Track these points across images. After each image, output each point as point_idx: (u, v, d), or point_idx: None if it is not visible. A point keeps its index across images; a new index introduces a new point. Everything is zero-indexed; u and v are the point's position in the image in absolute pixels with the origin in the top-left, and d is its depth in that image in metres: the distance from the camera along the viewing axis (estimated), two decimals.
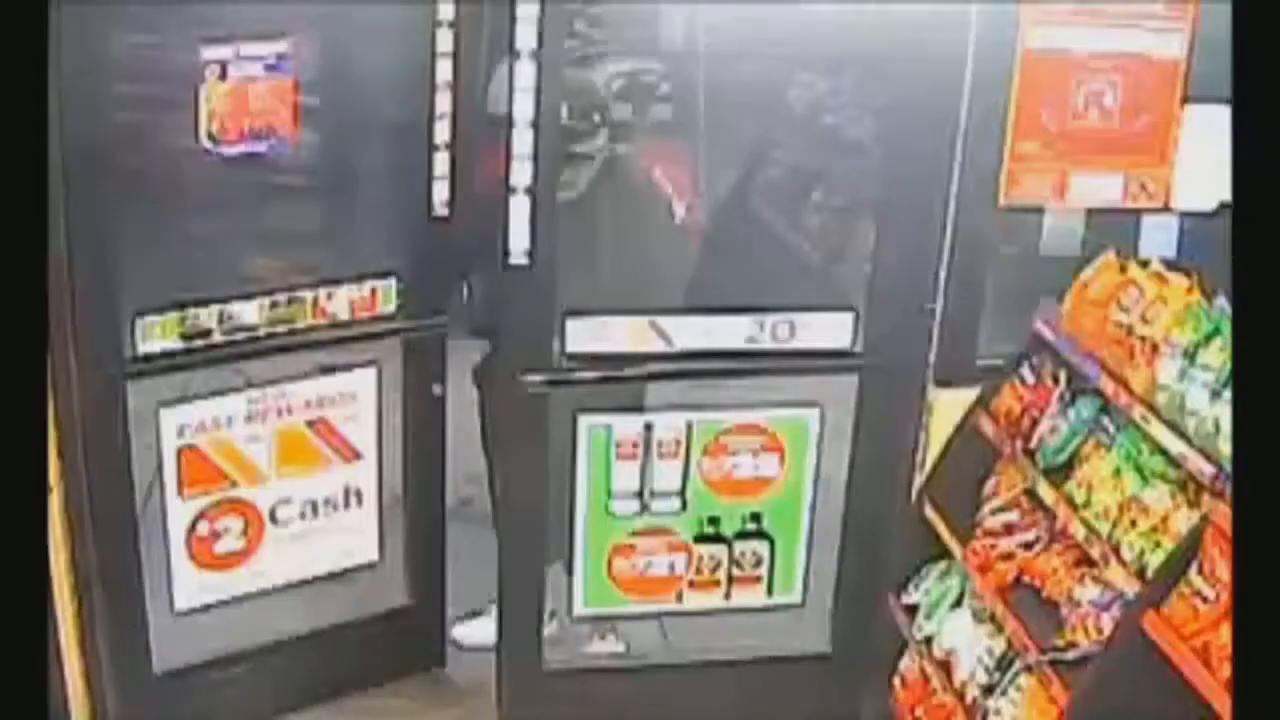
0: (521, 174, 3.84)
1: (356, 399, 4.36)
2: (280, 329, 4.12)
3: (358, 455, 4.42)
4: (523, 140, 3.81)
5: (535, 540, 4.24)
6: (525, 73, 3.76)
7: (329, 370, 4.32)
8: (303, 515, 4.38)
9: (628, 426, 4.24)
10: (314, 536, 4.41)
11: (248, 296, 4.05)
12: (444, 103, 4.15)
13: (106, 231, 3.74)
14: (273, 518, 4.32)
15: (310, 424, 4.32)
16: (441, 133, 4.18)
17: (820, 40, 5.04)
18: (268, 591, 4.37)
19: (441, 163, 4.20)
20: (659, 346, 4.12)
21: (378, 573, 4.57)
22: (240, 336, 4.06)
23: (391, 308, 4.29)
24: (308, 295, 4.15)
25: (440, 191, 4.23)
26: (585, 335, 4.07)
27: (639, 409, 4.32)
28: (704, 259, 5.55)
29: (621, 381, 4.20)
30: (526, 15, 3.72)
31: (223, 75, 3.86)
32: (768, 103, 6.13)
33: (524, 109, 3.78)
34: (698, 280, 5.46)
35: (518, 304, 3.98)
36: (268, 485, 4.30)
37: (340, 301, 4.21)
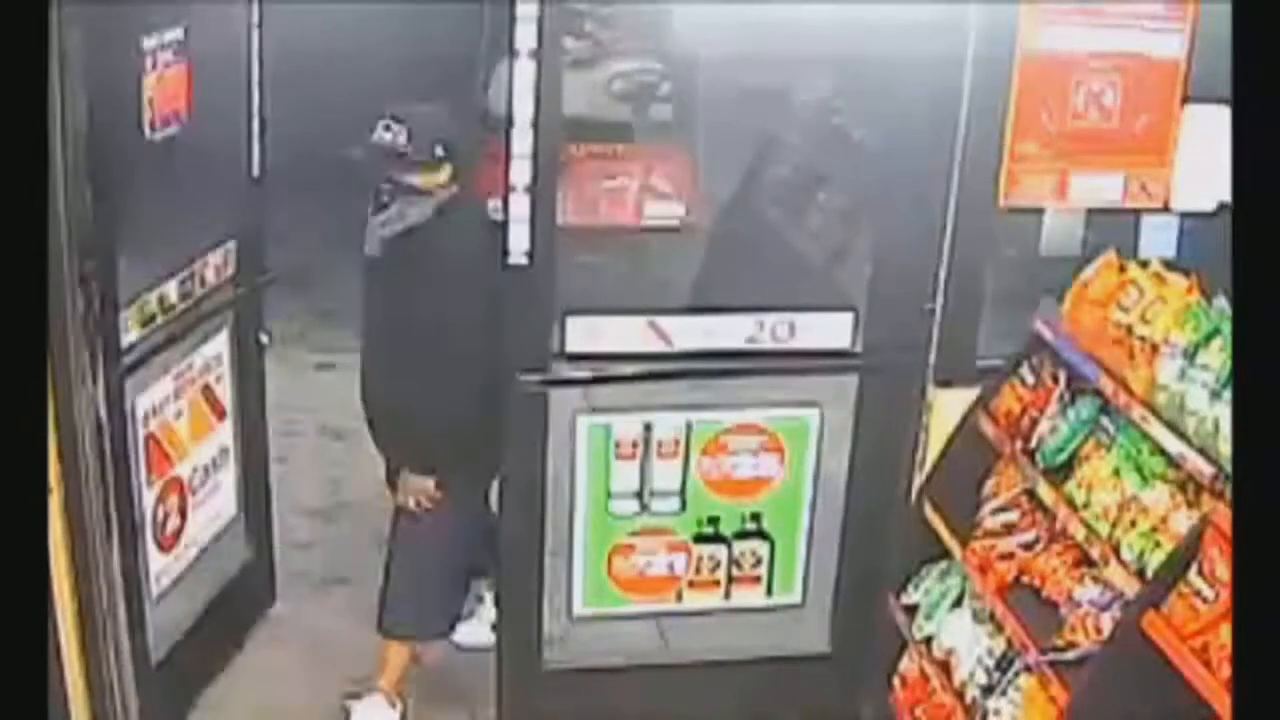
0: (521, 174, 3.84)
1: (221, 360, 4.58)
2: (188, 304, 4.29)
3: (224, 414, 4.64)
4: (523, 140, 3.81)
5: (534, 540, 4.24)
6: (525, 73, 3.76)
7: (207, 337, 4.51)
8: (202, 482, 4.54)
9: (627, 426, 4.24)
10: (209, 499, 4.59)
11: (170, 277, 4.20)
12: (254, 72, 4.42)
13: (105, 228, 3.74)
14: (191, 488, 4.47)
15: (203, 391, 4.50)
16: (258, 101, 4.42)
17: (820, 41, 5.03)
18: (193, 563, 4.51)
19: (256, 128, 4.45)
20: (659, 346, 4.12)
21: (233, 528, 4.75)
22: (169, 317, 4.19)
23: (231, 270, 4.52)
24: (196, 268, 4.33)
25: (256, 154, 4.50)
26: (585, 335, 4.07)
27: (639, 409, 4.31)
28: (704, 259, 5.55)
29: (621, 381, 4.19)
30: (526, 15, 3.72)
31: (155, 65, 3.97)
32: (768, 103, 6.13)
33: (524, 109, 3.78)
34: (698, 280, 5.46)
35: (517, 304, 3.98)
36: (188, 458, 4.44)
37: (210, 269, 4.41)
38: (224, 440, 4.66)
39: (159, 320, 4.13)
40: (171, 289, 4.19)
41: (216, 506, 4.65)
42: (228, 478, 4.70)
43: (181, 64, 4.06)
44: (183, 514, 4.43)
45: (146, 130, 3.96)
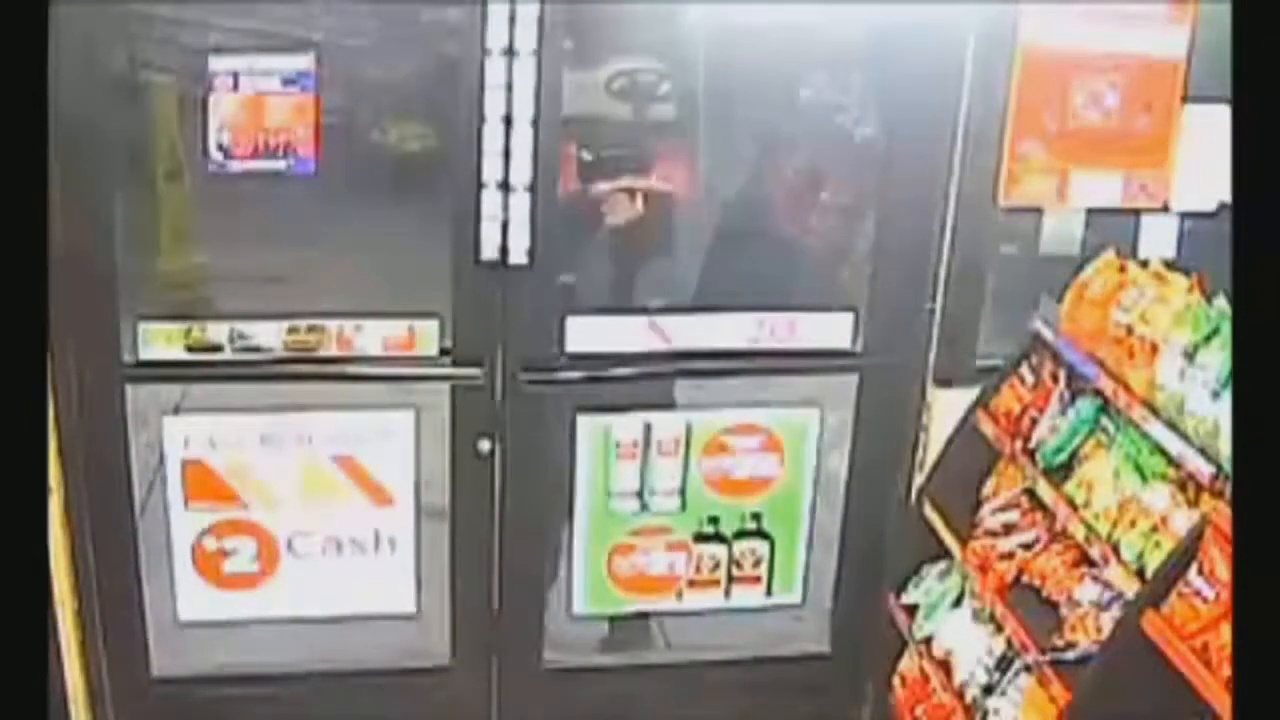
0: (521, 173, 3.84)
1: (387, 439, 4.18)
2: (301, 356, 3.99)
3: (388, 500, 4.24)
4: (523, 140, 3.81)
5: (535, 540, 4.24)
6: (525, 73, 3.76)
7: (359, 407, 4.14)
8: (323, 551, 4.26)
9: (628, 426, 4.24)
10: (342, 575, 4.28)
11: (263, 317, 3.97)
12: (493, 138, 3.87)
13: (106, 232, 3.75)
14: (290, 546, 4.24)
15: (335, 459, 4.18)
16: (492, 170, 3.87)
17: (821, 41, 5.02)
18: (281, 620, 4.30)
19: (490, 203, 3.89)
20: (659, 346, 4.12)
21: (413, 624, 4.40)
22: (255, 357, 3.97)
23: (432, 350, 4.06)
24: (331, 325, 4.00)
25: (490, 234, 3.92)
26: (585, 335, 4.07)
27: (639, 409, 4.31)
28: (704, 259, 5.54)
29: (621, 381, 4.20)
30: (526, 15, 3.72)
31: (235, 87, 3.77)
32: (768, 103, 6.12)
33: (524, 109, 3.78)
34: (698, 280, 5.45)
35: (518, 304, 3.98)
36: (280, 511, 4.20)
37: (370, 337, 4.02)
38: (385, 528, 4.24)
39: (229, 354, 3.92)
40: (265, 330, 3.92)
41: (370, 591, 4.30)
42: (394, 568, 4.28)
43: (300, 95, 3.78)
44: (265, 563, 4.20)
45: (218, 154, 3.76)
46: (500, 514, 4.30)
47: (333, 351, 4.01)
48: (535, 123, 3.80)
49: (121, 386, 3.90)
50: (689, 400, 4.31)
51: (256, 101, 3.76)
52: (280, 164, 3.80)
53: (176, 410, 4.10)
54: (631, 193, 4.38)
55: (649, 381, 4.23)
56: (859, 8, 4.10)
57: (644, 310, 4.20)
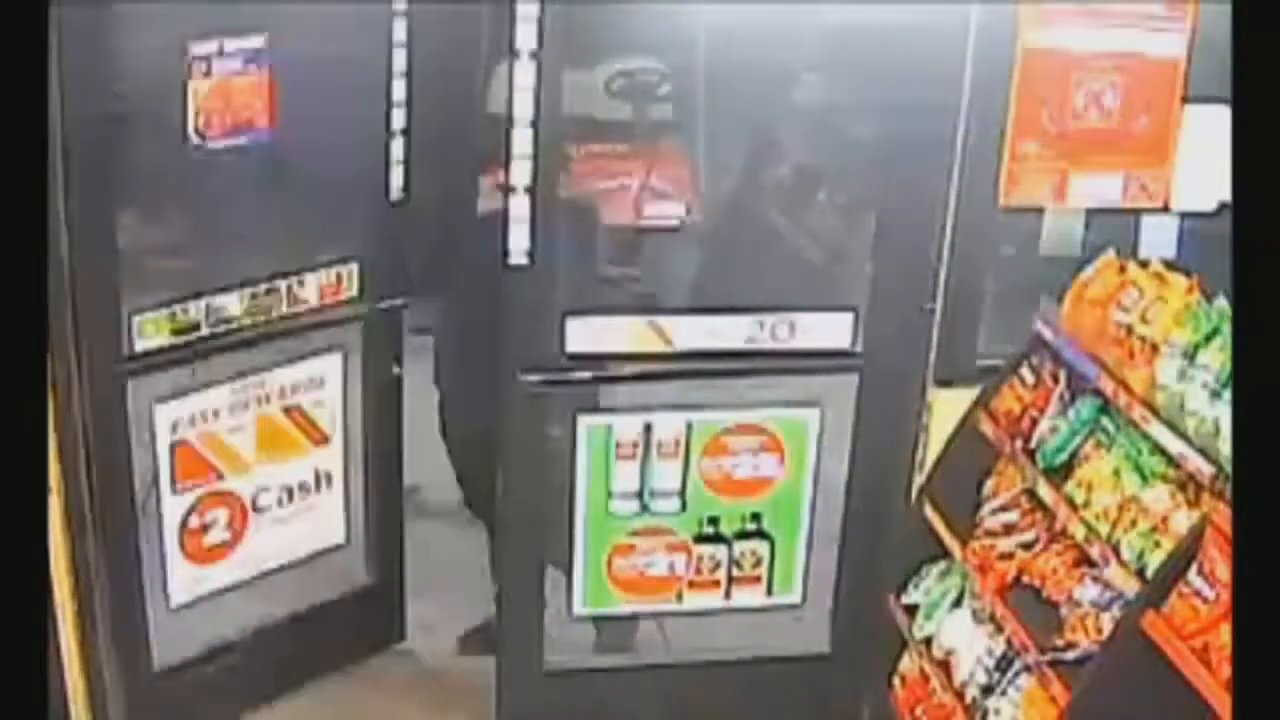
0: (521, 174, 3.84)
1: (324, 384, 4.47)
2: (260, 319, 4.20)
3: (326, 439, 4.52)
4: (523, 140, 3.81)
5: (535, 540, 4.24)
6: (525, 73, 3.76)
7: (301, 357, 4.39)
8: (280, 502, 4.46)
9: (628, 426, 4.24)
10: (291, 522, 4.50)
11: (229, 289, 4.12)
12: (400, 90, 4.31)
13: (106, 230, 3.75)
14: (255, 506, 4.40)
15: (286, 410, 4.41)
16: (398, 120, 4.31)
17: (821, 41, 5.02)
18: (250, 580, 4.44)
19: (398, 148, 4.34)
20: (659, 346, 4.12)
21: (344, 554, 4.68)
22: (224, 329, 4.12)
23: (354, 292, 4.41)
24: (282, 285, 4.24)
25: (396, 177, 4.36)
26: (585, 335, 4.07)
27: (639, 409, 4.31)
28: (704, 259, 5.54)
29: (621, 381, 4.19)
30: (526, 15, 3.72)
31: (208, 71, 3.91)
32: (768, 102, 6.12)
33: (524, 109, 3.78)
34: (698, 280, 5.45)
35: (518, 304, 3.98)
36: (250, 474, 4.37)
37: (310, 289, 4.31)
38: (324, 465, 4.54)
39: (205, 330, 4.05)
40: (231, 301, 4.10)
41: (310, 531, 4.54)
42: (330, 503, 4.58)
43: (258, 73, 3.97)
44: (236, 529, 4.34)
45: (195, 137, 3.90)
46: (499, 513, 4.31)
47: (284, 310, 4.26)
48: (535, 123, 3.80)
49: (123, 382, 3.90)
50: (689, 400, 4.31)
51: (225, 83, 3.94)
52: (242, 139, 4.01)
53: (164, 398, 4.11)
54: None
55: (649, 381, 4.23)
56: (859, 8, 4.10)
57: (644, 310, 4.19)
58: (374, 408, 4.60)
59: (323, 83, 4.11)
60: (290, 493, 4.48)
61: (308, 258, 4.32)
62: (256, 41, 3.96)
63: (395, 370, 4.57)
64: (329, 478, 4.56)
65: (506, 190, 3.87)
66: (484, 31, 4.21)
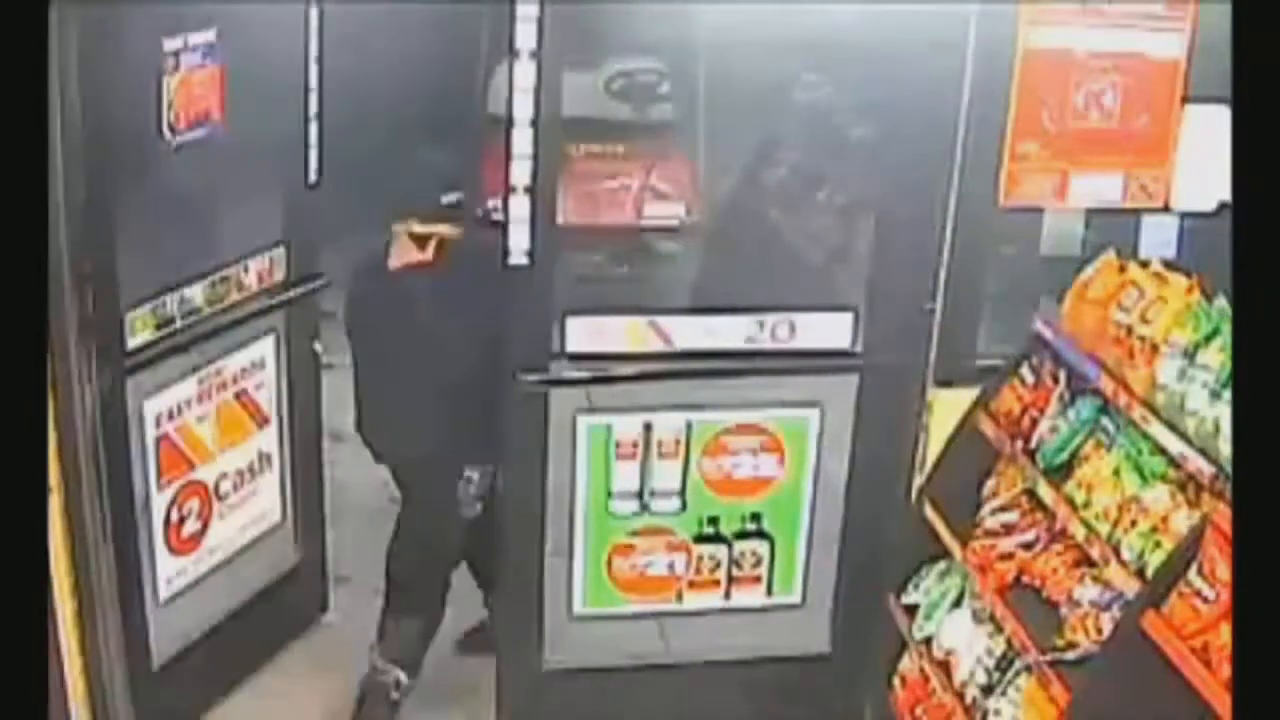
0: (521, 174, 3.84)
1: (265, 366, 4.58)
2: (217, 308, 4.28)
3: (266, 421, 4.63)
4: (523, 140, 3.81)
5: (534, 540, 4.24)
6: (525, 73, 3.76)
7: (244, 343, 4.49)
8: (235, 486, 4.53)
9: (628, 426, 4.24)
10: (243, 505, 4.58)
11: (193, 280, 4.18)
12: (313, 76, 4.44)
13: (105, 229, 3.75)
14: (218, 493, 4.46)
15: (237, 396, 4.49)
16: (312, 104, 4.45)
17: (820, 40, 5.03)
18: (218, 566, 4.51)
19: (314, 133, 4.48)
20: (659, 346, 4.12)
21: (281, 534, 4.76)
22: (192, 320, 4.18)
23: (282, 275, 4.52)
24: (232, 271, 4.32)
25: (313, 160, 4.51)
26: (585, 335, 4.07)
27: (639, 409, 4.31)
28: (704, 259, 5.54)
29: (621, 381, 4.19)
30: (526, 15, 3.72)
31: (177, 66, 3.96)
32: (768, 103, 6.12)
33: (524, 109, 3.78)
34: (698, 280, 5.45)
35: (518, 304, 3.98)
36: (214, 463, 4.43)
37: (252, 275, 4.41)
38: (265, 446, 4.64)
39: (178, 323, 4.12)
40: (196, 292, 4.18)
41: (255, 512, 4.64)
42: (270, 484, 4.68)
43: (212, 66, 4.05)
44: (204, 518, 4.41)
45: (168, 132, 3.96)
46: (499, 513, 4.31)
47: (235, 297, 4.35)
48: (535, 123, 3.80)
49: (122, 381, 3.91)
50: (689, 400, 4.31)
51: (189, 76, 4.02)
52: (200, 132, 4.08)
53: (150, 394, 4.14)
54: (421, 239, 4.26)
55: (649, 381, 4.23)
56: (859, 8, 4.10)
57: (644, 310, 4.19)
58: (301, 386, 4.71)
59: (251, 73, 4.20)
60: (242, 476, 4.56)
61: (247, 244, 4.41)
62: (210, 36, 4.03)
63: (317, 347, 4.70)
64: (269, 459, 4.66)
65: (507, 193, 3.86)
66: (484, 31, 4.20)
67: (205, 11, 4.03)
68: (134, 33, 3.77)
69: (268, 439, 4.65)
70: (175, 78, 3.95)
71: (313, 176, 4.54)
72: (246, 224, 4.40)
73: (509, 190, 3.85)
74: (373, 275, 4.33)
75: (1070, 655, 3.44)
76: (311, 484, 4.86)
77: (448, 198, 4.18)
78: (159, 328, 4.05)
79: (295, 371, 4.68)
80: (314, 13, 4.39)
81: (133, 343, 3.96)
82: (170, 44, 3.93)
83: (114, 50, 3.64)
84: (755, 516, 4.40)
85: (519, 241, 3.89)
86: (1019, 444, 3.85)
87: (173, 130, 3.98)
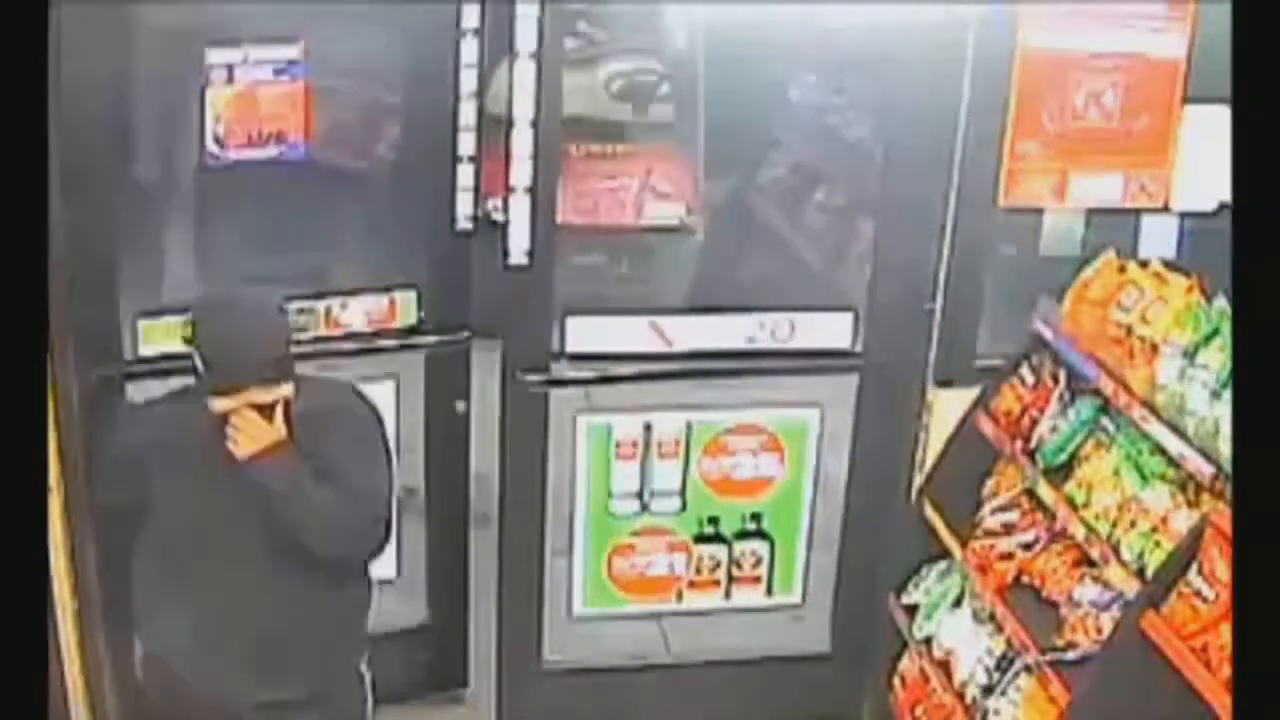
0: (521, 174, 3.84)
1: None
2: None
3: None
4: (523, 140, 3.81)
5: (535, 540, 4.24)
6: (525, 73, 3.76)
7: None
8: None
9: (628, 426, 4.24)
10: None
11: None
12: (469, 113, 4.07)
13: (106, 232, 3.75)
14: None
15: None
16: (466, 145, 4.10)
17: (820, 41, 5.04)
18: None
19: (465, 175, 4.12)
20: (659, 346, 4.12)
21: (395, 589, 4.35)
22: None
23: (412, 320, 4.21)
24: (319, 305, 4.06)
25: (464, 205, 4.15)
26: (585, 335, 4.07)
27: (639, 409, 4.31)
28: (704, 259, 5.55)
29: (621, 381, 4.19)
30: (526, 15, 3.72)
31: (230, 79, 3.83)
32: (768, 103, 6.13)
33: (524, 109, 3.78)
34: (698, 280, 5.46)
35: (518, 304, 3.98)
36: None
37: (355, 313, 4.12)
38: None
39: None
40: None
41: None
42: None
43: (289, 83, 3.87)
44: None
45: (215, 147, 3.83)
46: (501, 514, 4.30)
47: (321, 331, 4.06)
48: (535, 123, 3.80)
49: (122, 385, 3.90)
50: (689, 400, 4.31)
51: (250, 92, 3.84)
52: (273, 151, 3.88)
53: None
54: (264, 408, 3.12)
55: (649, 381, 4.23)
56: (858, 8, 4.10)
57: (644, 310, 4.19)
58: (435, 442, 4.35)
59: (370, 100, 4.02)
60: None
61: (353, 281, 4.18)
62: (291, 51, 3.85)
63: (460, 406, 4.31)
64: None
65: (507, 194, 3.86)
66: (484, 31, 4.19)
67: (292, 28, 3.85)
68: (163, 43, 3.69)
69: None
70: (227, 91, 3.81)
71: (462, 222, 4.16)
72: (350, 259, 4.18)
73: (509, 190, 3.86)
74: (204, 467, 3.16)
75: (1070, 655, 3.44)
76: (446, 544, 4.49)
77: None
78: (189, 341, 3.85)
79: (431, 426, 4.30)
80: (471, 44, 4.00)
81: (145, 350, 3.87)
82: (217, 56, 3.79)
83: (140, 61, 3.58)
84: (755, 517, 4.40)
85: (519, 241, 3.89)
86: (1019, 444, 3.85)
87: (221, 144, 3.83)
